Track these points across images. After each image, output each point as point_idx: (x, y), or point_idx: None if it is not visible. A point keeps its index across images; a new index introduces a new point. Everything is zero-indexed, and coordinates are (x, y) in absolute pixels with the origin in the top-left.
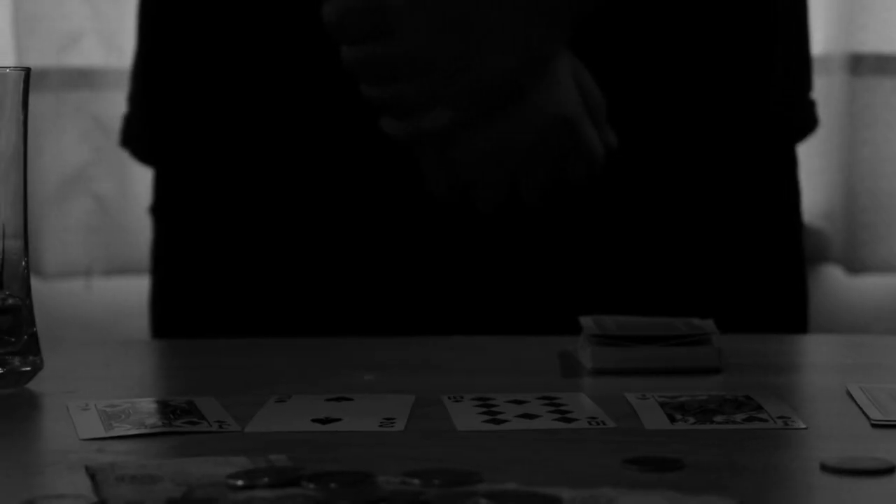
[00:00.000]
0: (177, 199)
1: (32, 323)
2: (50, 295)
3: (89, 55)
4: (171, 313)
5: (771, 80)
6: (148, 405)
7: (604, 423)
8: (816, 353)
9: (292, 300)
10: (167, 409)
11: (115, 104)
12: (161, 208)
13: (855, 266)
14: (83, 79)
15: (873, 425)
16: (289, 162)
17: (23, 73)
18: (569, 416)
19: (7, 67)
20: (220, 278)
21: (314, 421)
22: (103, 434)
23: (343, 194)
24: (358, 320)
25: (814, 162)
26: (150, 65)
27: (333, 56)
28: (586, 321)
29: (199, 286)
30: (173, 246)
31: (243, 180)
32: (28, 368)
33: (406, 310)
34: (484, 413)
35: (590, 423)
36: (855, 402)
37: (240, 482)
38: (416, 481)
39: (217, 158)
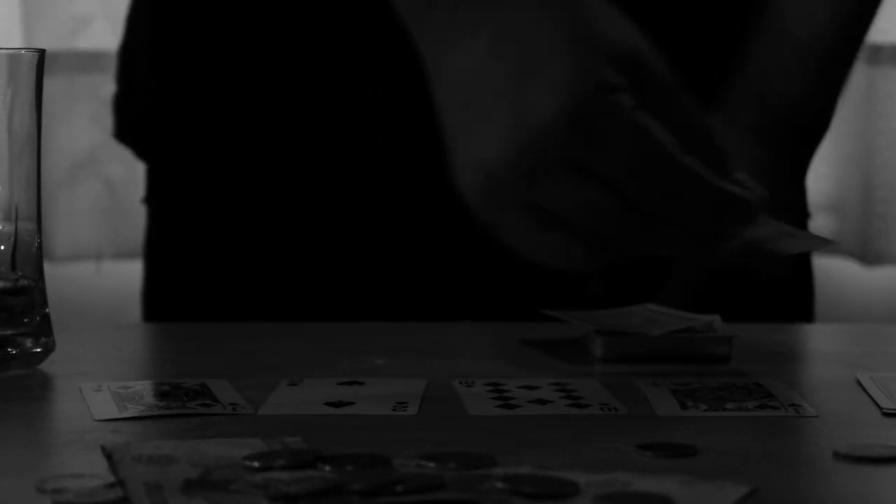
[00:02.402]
0: (170, 190)
1: (45, 304)
2: (59, 278)
3: (99, 39)
4: (163, 304)
5: None
6: (161, 387)
7: (616, 410)
8: (825, 342)
9: (288, 292)
10: (180, 391)
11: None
12: (155, 199)
13: (870, 257)
14: (93, 62)
15: (884, 414)
16: (286, 149)
17: (37, 54)
18: (581, 402)
19: (22, 49)
20: (214, 268)
21: (327, 404)
22: (117, 415)
23: (341, 181)
24: (353, 309)
25: (830, 151)
26: (138, 56)
27: (324, 44)
28: (571, 317)
29: (192, 277)
30: (167, 236)
31: (238, 170)
32: (40, 349)
33: (402, 296)
34: (496, 398)
35: (602, 409)
36: (865, 390)
37: (256, 464)
38: (431, 464)
39: (211, 148)
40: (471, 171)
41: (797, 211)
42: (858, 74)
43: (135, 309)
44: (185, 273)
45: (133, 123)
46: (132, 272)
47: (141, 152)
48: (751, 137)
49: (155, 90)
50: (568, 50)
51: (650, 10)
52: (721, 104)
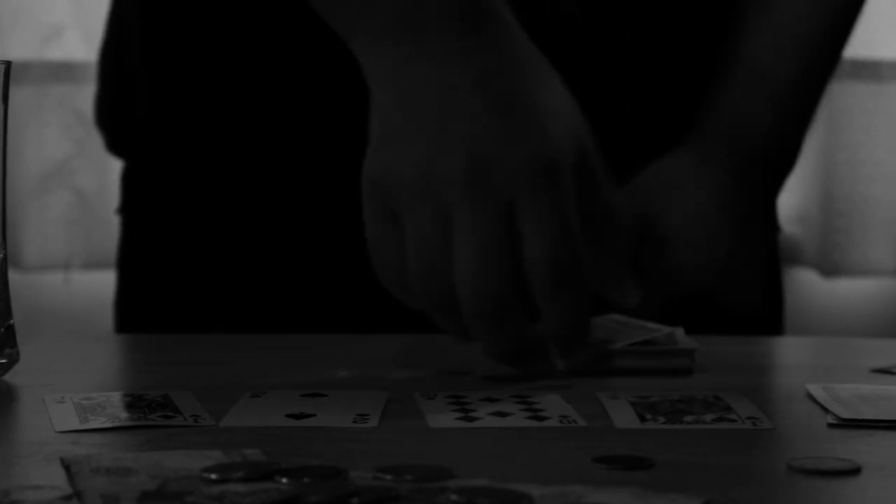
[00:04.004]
0: (145, 200)
1: (9, 315)
2: (28, 287)
3: (71, 49)
4: (137, 315)
5: None
6: (123, 399)
7: (575, 422)
8: (785, 354)
9: (261, 303)
10: (142, 403)
11: (93, 105)
12: (129, 209)
13: (830, 269)
14: (65, 72)
15: (840, 425)
16: (259, 161)
17: (3, 66)
18: (540, 414)
19: None
20: (188, 279)
21: (288, 416)
22: (79, 427)
23: (312, 193)
24: (325, 320)
25: None
26: (117, 61)
27: (303, 51)
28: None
29: (166, 287)
30: (141, 246)
31: (212, 180)
32: (4, 361)
33: (379, 308)
34: (457, 410)
35: (561, 421)
36: (818, 402)
37: (214, 476)
38: (388, 477)
39: (186, 158)
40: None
41: (767, 238)
42: None
43: (105, 319)
44: (159, 284)
45: (114, 126)
46: (102, 282)
47: (119, 151)
48: (721, 170)
49: (134, 95)
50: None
51: (625, 41)
52: (693, 136)
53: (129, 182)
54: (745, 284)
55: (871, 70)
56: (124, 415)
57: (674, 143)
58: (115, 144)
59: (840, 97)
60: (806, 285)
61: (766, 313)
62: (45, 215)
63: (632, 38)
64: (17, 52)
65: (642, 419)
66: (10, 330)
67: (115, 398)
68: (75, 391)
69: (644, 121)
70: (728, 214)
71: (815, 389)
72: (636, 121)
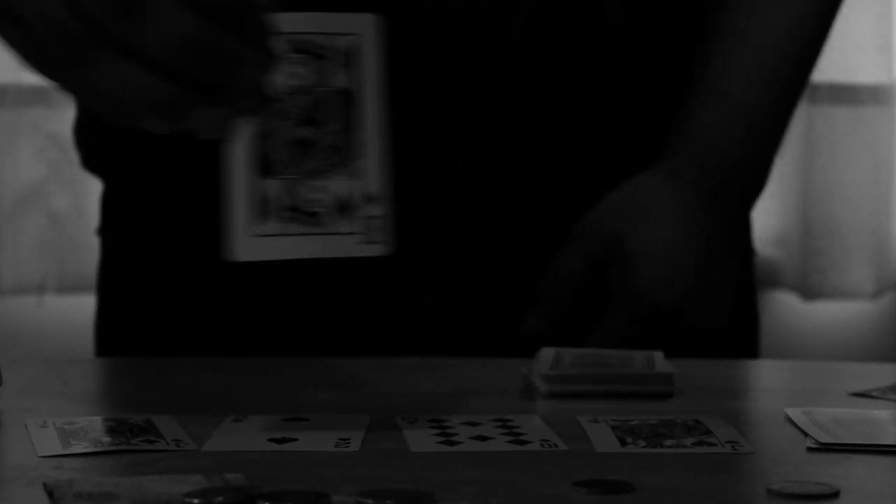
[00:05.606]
0: (125, 221)
1: None
2: (2, 311)
3: None
4: (116, 335)
5: None
6: (105, 423)
7: (555, 446)
8: (765, 378)
9: (241, 325)
10: (125, 427)
11: (72, 122)
12: (109, 230)
13: (809, 292)
14: (40, 96)
15: (819, 449)
16: None
17: None
18: (521, 438)
19: None
20: (169, 301)
21: (270, 440)
22: (61, 451)
23: None
24: (306, 342)
25: (770, 188)
26: None
27: None
28: (546, 353)
29: (146, 309)
30: (120, 268)
31: (191, 202)
32: None
33: (360, 331)
34: (438, 434)
35: (542, 445)
36: (798, 426)
37: (196, 501)
38: (370, 501)
39: (166, 178)
40: None
41: (737, 260)
42: (797, 113)
43: (79, 342)
44: (139, 306)
45: (92, 145)
46: (76, 306)
47: (95, 169)
48: (691, 193)
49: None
50: None
51: (597, 61)
52: (664, 157)
53: (109, 203)
54: (713, 305)
55: (850, 94)
56: (107, 439)
57: (643, 162)
58: (91, 162)
59: (818, 121)
60: (785, 308)
61: (741, 336)
62: (19, 238)
63: (596, 56)
64: None
65: (623, 443)
66: None
67: (98, 423)
68: (58, 415)
69: (613, 139)
70: (697, 235)
71: (795, 413)
72: (604, 139)
